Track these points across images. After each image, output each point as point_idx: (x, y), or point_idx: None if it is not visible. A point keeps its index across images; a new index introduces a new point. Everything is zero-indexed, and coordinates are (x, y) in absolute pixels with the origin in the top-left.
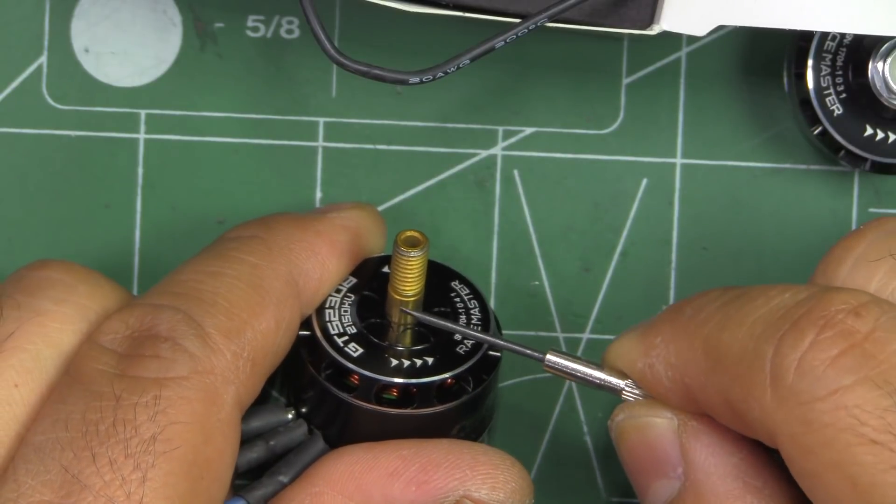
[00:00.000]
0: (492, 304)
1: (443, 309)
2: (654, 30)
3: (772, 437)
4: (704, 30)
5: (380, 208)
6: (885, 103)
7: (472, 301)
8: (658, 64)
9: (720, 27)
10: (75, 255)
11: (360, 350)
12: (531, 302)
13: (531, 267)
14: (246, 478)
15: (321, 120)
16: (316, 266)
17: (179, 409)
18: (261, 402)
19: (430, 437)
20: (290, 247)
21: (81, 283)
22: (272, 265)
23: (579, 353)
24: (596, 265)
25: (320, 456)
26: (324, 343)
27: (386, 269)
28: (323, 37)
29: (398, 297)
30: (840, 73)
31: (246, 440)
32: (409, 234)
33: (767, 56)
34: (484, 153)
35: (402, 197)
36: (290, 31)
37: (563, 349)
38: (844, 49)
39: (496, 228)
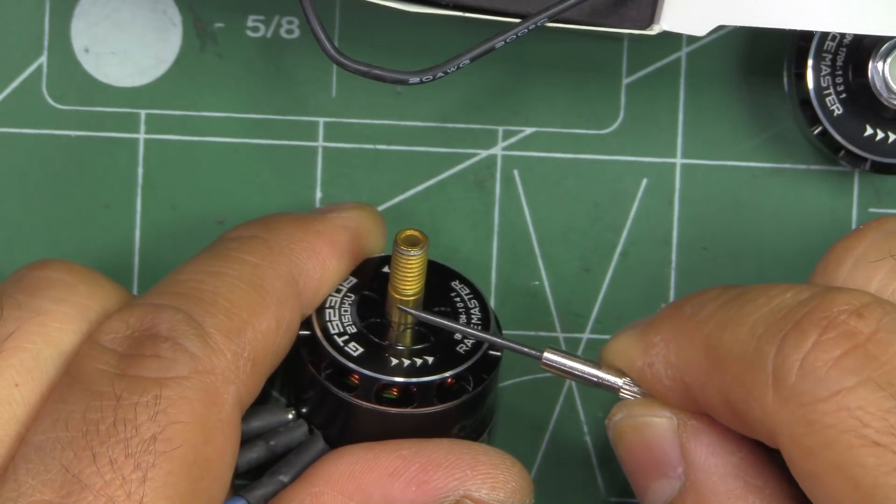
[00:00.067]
0: (492, 304)
1: (443, 309)
2: (654, 30)
3: (773, 437)
4: (704, 30)
5: (380, 208)
6: (885, 103)
7: (473, 301)
8: (658, 64)
9: (720, 27)
10: (75, 255)
11: (361, 349)
12: (531, 302)
13: (531, 267)
14: (246, 478)
15: (321, 120)
16: (316, 266)
17: (180, 409)
18: (261, 402)
19: (430, 437)
20: (291, 247)
21: (82, 282)
22: (273, 265)
23: (579, 353)
24: (596, 265)
25: (320, 456)
26: (324, 342)
27: (386, 269)
28: (323, 37)
29: (398, 297)
30: (840, 73)
31: (246, 440)
32: (408, 233)
33: (767, 56)
34: (484, 153)
35: (402, 197)
36: (290, 31)
37: (563, 349)
38: (844, 49)
39: (496, 228)
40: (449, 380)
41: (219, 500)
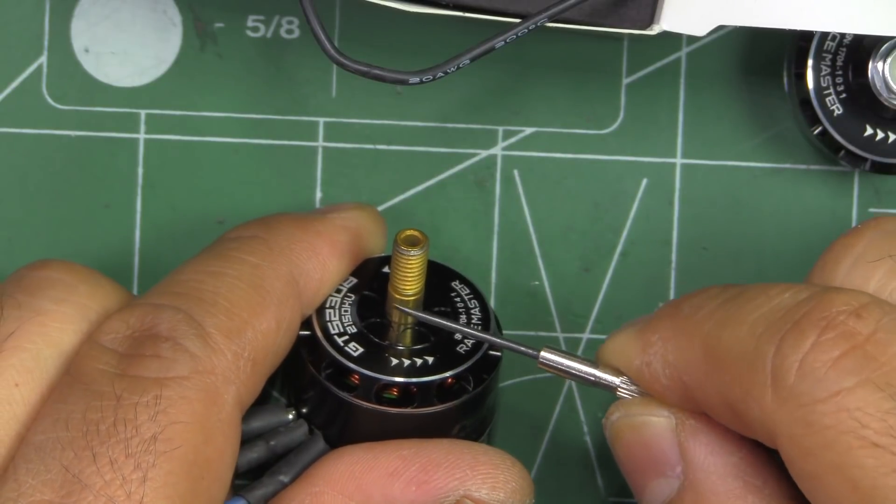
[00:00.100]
0: (492, 304)
1: (443, 309)
2: (654, 30)
3: (771, 437)
4: (704, 30)
5: (380, 208)
6: (885, 103)
7: (473, 301)
8: (658, 64)
9: (720, 27)
10: (75, 255)
11: (361, 349)
12: (531, 302)
13: (531, 267)
14: (246, 478)
15: (321, 120)
16: (317, 266)
17: (180, 409)
18: (261, 402)
19: (430, 437)
20: (291, 247)
21: (82, 282)
22: (273, 265)
23: (579, 353)
24: (596, 265)
25: (321, 456)
26: (324, 342)
27: (386, 270)
28: (323, 37)
29: (398, 297)
30: (840, 73)
31: (246, 440)
32: (408, 232)
33: (767, 56)
34: (484, 153)
35: (402, 197)
36: (290, 31)
37: (564, 349)
38: (844, 49)
39: (496, 228)
40: (449, 380)
41: (219, 500)
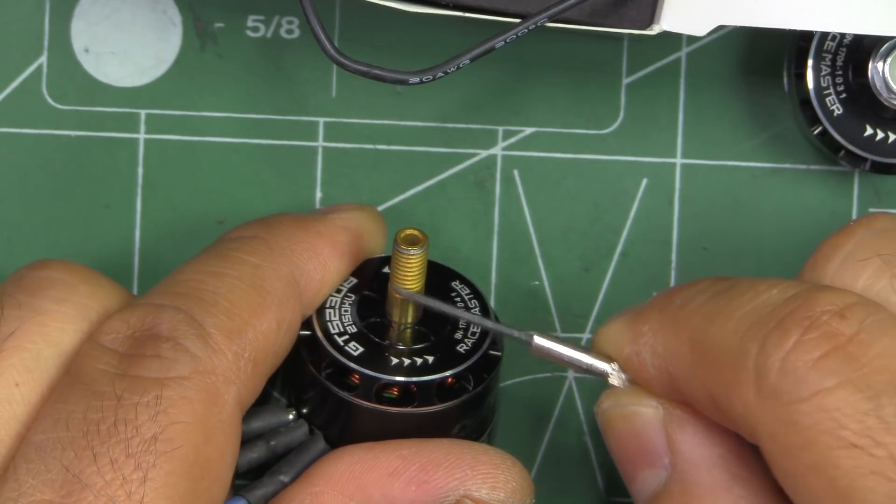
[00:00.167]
0: (492, 303)
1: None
2: (654, 30)
3: (753, 434)
4: (704, 30)
5: (380, 208)
6: (885, 103)
7: (473, 301)
8: (658, 64)
9: (720, 27)
10: (75, 255)
11: (361, 349)
12: (531, 302)
13: (531, 267)
14: (246, 478)
15: (321, 120)
16: (317, 267)
17: (181, 409)
18: (262, 402)
19: (430, 436)
20: (292, 247)
21: (82, 282)
22: (273, 266)
23: None
24: (596, 265)
25: (321, 456)
26: (324, 342)
27: (386, 270)
28: (323, 37)
29: (398, 297)
30: (840, 73)
31: (247, 440)
32: (408, 232)
33: (767, 56)
34: (484, 153)
35: (402, 197)
36: (290, 31)
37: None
38: (844, 49)
39: (496, 228)
40: (449, 379)
41: (219, 500)
